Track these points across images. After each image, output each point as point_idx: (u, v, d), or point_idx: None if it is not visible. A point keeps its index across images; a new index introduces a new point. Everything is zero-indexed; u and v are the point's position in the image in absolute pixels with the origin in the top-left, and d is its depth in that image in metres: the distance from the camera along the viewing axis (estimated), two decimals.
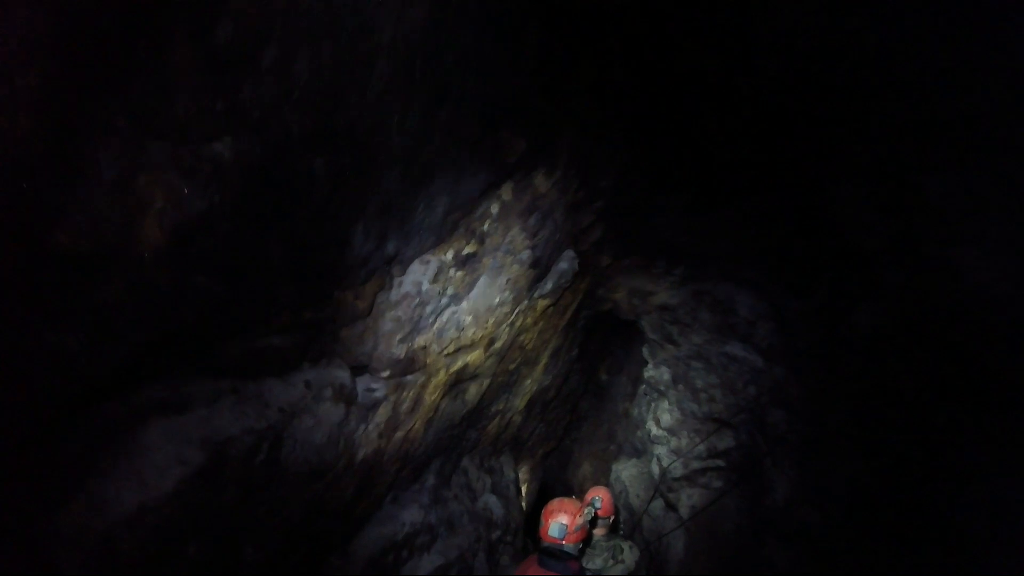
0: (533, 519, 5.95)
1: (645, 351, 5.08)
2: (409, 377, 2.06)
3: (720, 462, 4.26)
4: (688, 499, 4.35)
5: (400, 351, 1.88)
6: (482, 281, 2.18)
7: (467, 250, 2.00)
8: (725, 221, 3.61)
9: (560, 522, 2.88)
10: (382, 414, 1.92)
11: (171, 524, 1.19)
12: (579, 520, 2.93)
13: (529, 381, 4.03)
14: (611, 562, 3.48)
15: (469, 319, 2.23)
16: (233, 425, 1.28)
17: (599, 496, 3.61)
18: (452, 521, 3.51)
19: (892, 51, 2.14)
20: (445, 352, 2.22)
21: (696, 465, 4.31)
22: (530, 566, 2.82)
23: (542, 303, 3.10)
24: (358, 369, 1.77)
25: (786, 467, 3.66)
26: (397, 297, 1.75)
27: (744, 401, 4.00)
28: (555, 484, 6.59)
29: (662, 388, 4.70)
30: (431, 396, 2.36)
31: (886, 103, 2.40)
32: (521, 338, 3.21)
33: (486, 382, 2.96)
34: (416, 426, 2.36)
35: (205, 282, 1.07)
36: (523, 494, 5.74)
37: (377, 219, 1.49)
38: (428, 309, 1.93)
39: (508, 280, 2.34)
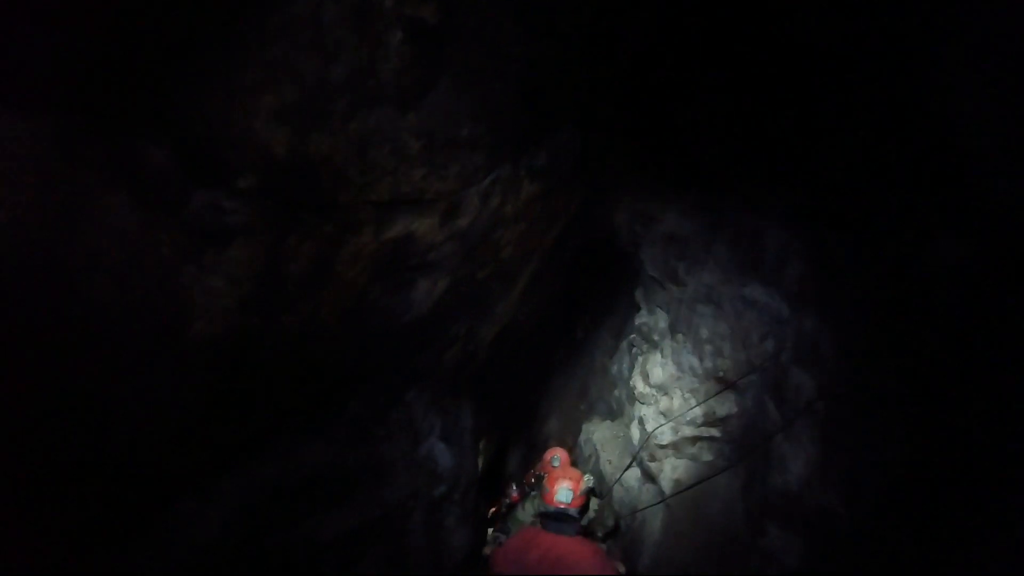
0: (490, 477, 5.23)
1: (638, 294, 4.32)
2: (305, 216, 1.23)
3: (715, 431, 3.56)
4: (672, 471, 3.66)
5: (278, 138, 1.04)
6: (445, 85, 1.34)
7: (423, 9, 1.15)
8: (769, 118, 2.81)
9: (566, 487, 2.99)
10: (239, 258, 1.09)
11: None
12: (582, 486, 3.10)
13: (503, 305, 3.23)
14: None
15: (417, 146, 1.39)
16: None
17: (557, 455, 3.80)
18: (381, 468, 2.72)
19: None
20: (373, 194, 1.38)
21: (688, 432, 3.60)
22: (537, 534, 2.73)
23: (528, 188, 2.27)
24: (192, 157, 0.92)
25: (804, 442, 2.96)
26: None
27: (758, 358, 3.28)
28: (518, 440, 5.90)
29: (655, 338, 3.96)
30: (351, 271, 1.53)
31: None
32: (497, 235, 2.38)
33: (443, 281, 2.14)
34: (323, 313, 1.54)
35: None
36: (481, 447, 4.99)
37: None
38: (338, 72, 1.07)
39: (483, 96, 1.49)
